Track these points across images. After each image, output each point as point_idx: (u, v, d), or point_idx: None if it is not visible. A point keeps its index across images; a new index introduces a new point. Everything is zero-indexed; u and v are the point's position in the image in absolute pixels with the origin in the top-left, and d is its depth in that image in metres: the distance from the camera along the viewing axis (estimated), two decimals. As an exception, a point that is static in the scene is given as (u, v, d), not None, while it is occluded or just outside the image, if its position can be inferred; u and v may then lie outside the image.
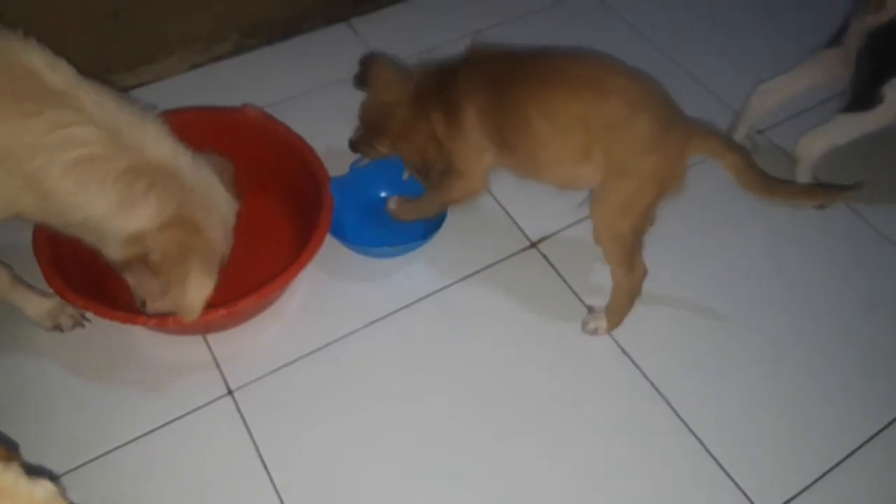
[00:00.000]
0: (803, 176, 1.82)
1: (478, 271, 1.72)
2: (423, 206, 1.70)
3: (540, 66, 1.45)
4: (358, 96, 1.67)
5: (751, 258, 1.79)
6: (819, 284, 1.74)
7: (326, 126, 1.80)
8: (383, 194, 1.81)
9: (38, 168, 1.21)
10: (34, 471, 0.88)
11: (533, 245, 1.78)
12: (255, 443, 1.45)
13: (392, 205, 1.73)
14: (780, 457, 1.47)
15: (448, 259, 1.73)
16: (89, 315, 1.56)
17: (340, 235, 1.68)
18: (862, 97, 1.67)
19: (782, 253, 1.80)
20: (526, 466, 1.44)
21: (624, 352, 1.60)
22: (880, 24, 1.61)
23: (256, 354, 1.57)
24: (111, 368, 1.54)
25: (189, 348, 1.57)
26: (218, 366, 1.55)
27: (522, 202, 1.83)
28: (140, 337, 1.57)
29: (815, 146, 1.78)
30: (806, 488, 1.43)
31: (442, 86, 1.51)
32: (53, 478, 1.04)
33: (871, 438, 1.50)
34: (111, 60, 1.98)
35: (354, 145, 1.71)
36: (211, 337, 1.59)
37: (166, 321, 1.40)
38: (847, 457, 1.47)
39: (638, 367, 1.58)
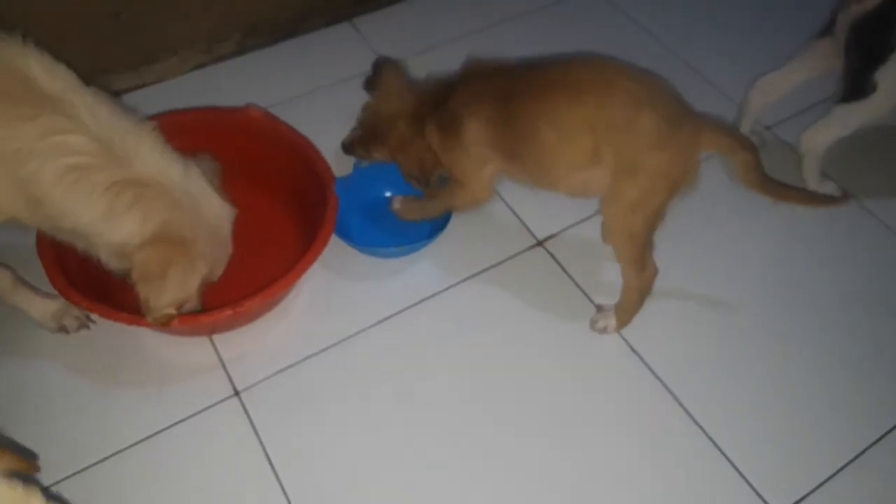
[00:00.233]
0: (810, 171, 1.82)
1: (484, 270, 1.71)
2: (427, 207, 1.70)
3: (540, 74, 1.45)
4: (360, 96, 1.66)
5: (760, 256, 1.78)
6: (828, 282, 1.73)
7: (329, 126, 1.79)
8: (388, 194, 1.80)
9: (31, 173, 1.21)
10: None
11: (539, 243, 1.77)
12: (262, 443, 1.44)
13: (397, 204, 1.73)
14: (791, 455, 1.46)
15: (454, 258, 1.73)
16: (94, 316, 1.55)
17: (346, 236, 1.67)
18: (855, 87, 1.67)
19: (791, 250, 1.79)
20: (536, 466, 1.43)
21: (633, 350, 1.59)
22: (865, 12, 1.60)
23: (263, 355, 1.56)
24: (117, 370, 1.53)
25: (195, 349, 1.56)
26: (224, 366, 1.54)
27: (528, 200, 1.83)
28: (145, 338, 1.56)
29: (817, 140, 1.77)
30: (818, 486, 1.42)
31: (439, 101, 1.52)
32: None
33: (883, 437, 1.49)
34: (112, 61, 1.97)
35: (348, 147, 1.71)
36: (217, 337, 1.58)
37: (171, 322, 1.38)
38: (858, 455, 1.46)
39: (647, 366, 1.57)
